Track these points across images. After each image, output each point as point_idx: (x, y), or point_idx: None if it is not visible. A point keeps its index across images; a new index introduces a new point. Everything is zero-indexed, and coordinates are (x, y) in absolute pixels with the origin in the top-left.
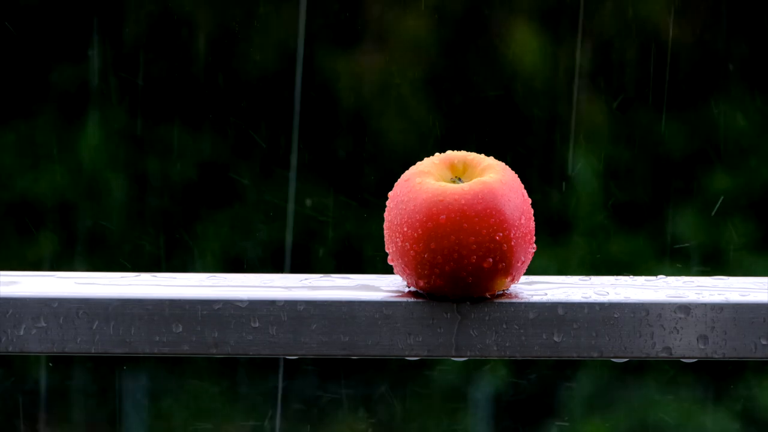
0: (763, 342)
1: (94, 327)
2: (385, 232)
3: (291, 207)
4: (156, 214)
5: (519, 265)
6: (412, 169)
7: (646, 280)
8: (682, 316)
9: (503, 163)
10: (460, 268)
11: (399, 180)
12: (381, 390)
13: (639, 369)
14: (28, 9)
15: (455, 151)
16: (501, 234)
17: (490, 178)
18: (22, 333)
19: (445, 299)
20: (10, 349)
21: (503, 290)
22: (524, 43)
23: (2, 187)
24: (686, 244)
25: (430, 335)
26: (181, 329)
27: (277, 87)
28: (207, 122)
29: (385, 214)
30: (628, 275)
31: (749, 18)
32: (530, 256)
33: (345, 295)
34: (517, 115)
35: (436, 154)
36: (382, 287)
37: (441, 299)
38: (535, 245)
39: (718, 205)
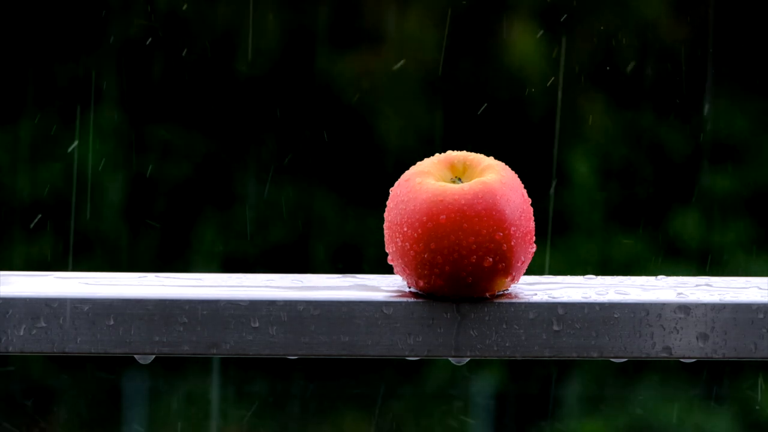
0: (763, 342)
1: (94, 327)
2: (385, 232)
3: (290, 207)
4: (155, 214)
5: (519, 265)
6: (412, 169)
7: (645, 280)
8: (682, 316)
9: (503, 163)
10: (460, 268)
11: (399, 180)
12: (380, 390)
13: (639, 369)
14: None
15: (455, 151)
16: (501, 234)
17: (490, 178)
18: (22, 333)
19: (445, 299)
20: (10, 349)
21: (503, 290)
22: (524, 43)
23: (2, 187)
24: (686, 244)
25: (430, 335)
26: (181, 329)
27: (276, 87)
28: (205, 122)
29: (385, 214)
30: (628, 275)
31: (749, 18)
32: (530, 256)
33: (345, 295)
34: (516, 115)
35: (436, 154)
36: (382, 287)
37: (441, 299)
38: (535, 245)
39: (717, 206)
